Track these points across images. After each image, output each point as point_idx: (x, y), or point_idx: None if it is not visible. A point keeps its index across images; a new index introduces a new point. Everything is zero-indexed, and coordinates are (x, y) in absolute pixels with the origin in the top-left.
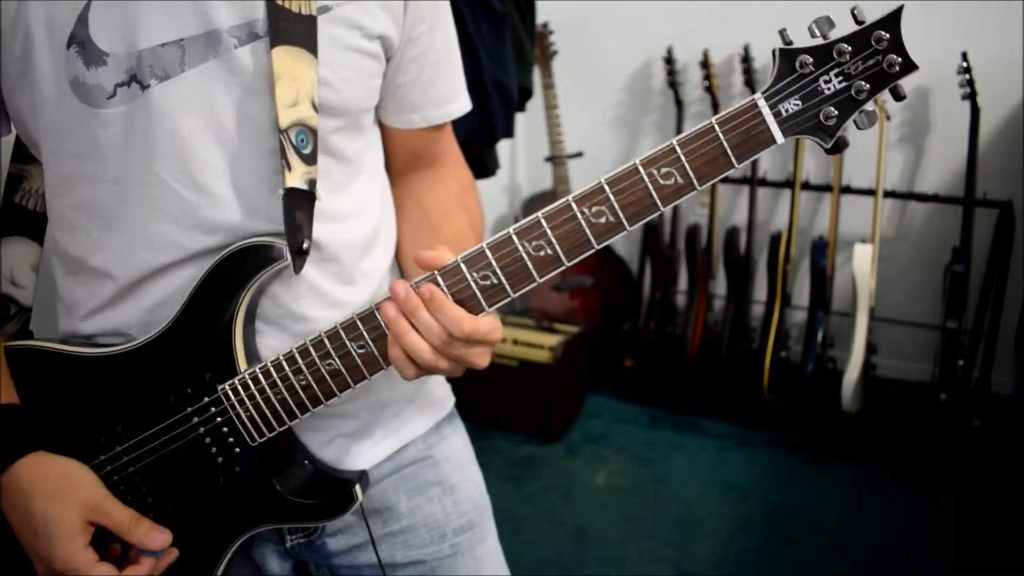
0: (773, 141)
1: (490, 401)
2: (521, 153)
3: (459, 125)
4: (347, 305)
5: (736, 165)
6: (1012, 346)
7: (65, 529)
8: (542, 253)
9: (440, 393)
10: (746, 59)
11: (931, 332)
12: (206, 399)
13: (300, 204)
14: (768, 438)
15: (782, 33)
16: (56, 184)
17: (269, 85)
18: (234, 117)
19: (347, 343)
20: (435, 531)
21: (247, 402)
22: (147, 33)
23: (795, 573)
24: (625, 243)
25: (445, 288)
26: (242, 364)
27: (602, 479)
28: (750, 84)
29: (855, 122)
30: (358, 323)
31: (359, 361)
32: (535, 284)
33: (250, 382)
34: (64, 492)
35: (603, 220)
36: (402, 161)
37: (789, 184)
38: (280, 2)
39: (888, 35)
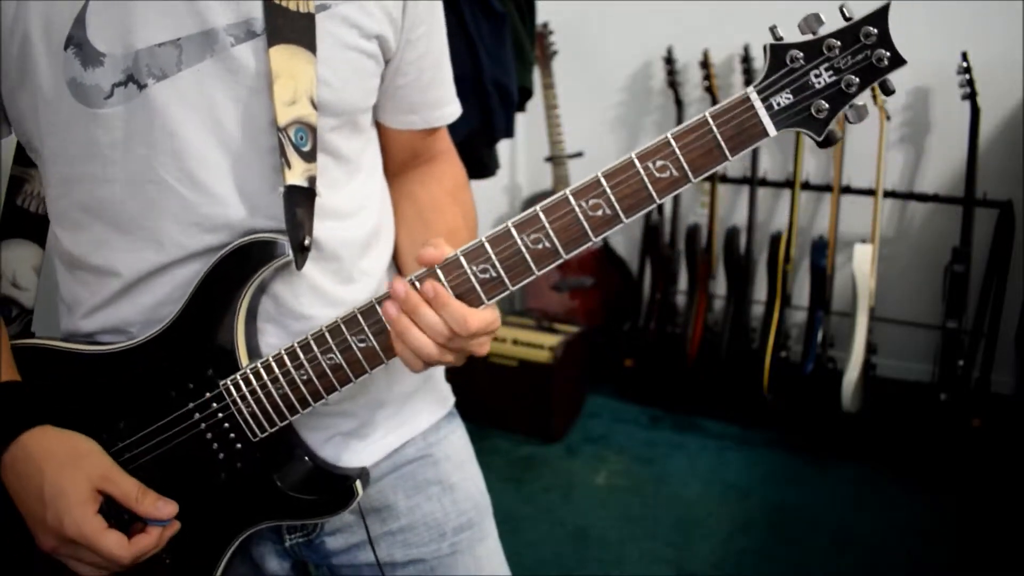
0: (766, 134)
1: (490, 401)
2: (521, 153)
3: (459, 125)
4: (347, 304)
5: (730, 157)
6: (1012, 346)
7: (75, 497)
8: (540, 246)
9: (439, 392)
10: (746, 59)
11: (931, 332)
12: (208, 395)
13: (300, 201)
14: (768, 438)
15: (773, 30)
16: (58, 185)
17: (267, 83)
18: (232, 115)
19: (348, 337)
20: (434, 530)
21: (249, 397)
22: (144, 33)
23: (795, 573)
24: (625, 243)
25: (446, 283)
26: (244, 359)
27: (602, 479)
28: (750, 84)
29: (846, 115)
30: (359, 317)
31: (360, 355)
32: (534, 277)
33: (252, 377)
34: (73, 462)
35: (600, 213)
36: (399, 160)
37: (789, 184)
38: (277, 0)
39: (876, 30)
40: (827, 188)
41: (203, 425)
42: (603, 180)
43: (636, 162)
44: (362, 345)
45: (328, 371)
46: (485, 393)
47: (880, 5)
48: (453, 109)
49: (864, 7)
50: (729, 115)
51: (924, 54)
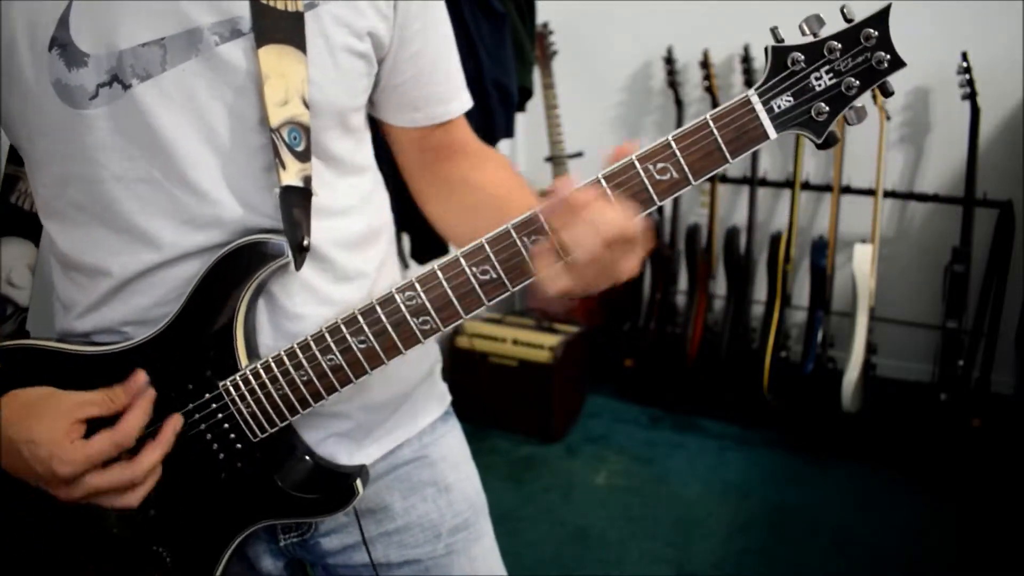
0: (766, 136)
1: (490, 401)
2: (521, 153)
3: None
4: (341, 303)
5: (730, 160)
6: (1012, 346)
7: (50, 438)
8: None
9: (436, 392)
10: (746, 59)
11: (931, 332)
12: (207, 395)
13: (297, 201)
14: (768, 438)
15: (774, 31)
16: (50, 185)
17: (255, 82)
18: (219, 115)
19: (348, 337)
20: (430, 531)
21: (248, 398)
22: (127, 33)
23: (795, 573)
24: None
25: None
26: (243, 360)
27: (602, 479)
28: (750, 84)
29: (845, 117)
30: (359, 317)
31: (360, 356)
32: (533, 278)
33: (251, 378)
34: (34, 410)
35: None
36: (430, 154)
37: (789, 184)
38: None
39: (876, 32)
40: (827, 188)
41: (203, 425)
42: (603, 182)
43: (636, 164)
44: (362, 346)
45: (328, 371)
46: (485, 393)
47: (881, 7)
48: (457, 105)
49: (863, 8)
50: (730, 117)
51: (924, 54)
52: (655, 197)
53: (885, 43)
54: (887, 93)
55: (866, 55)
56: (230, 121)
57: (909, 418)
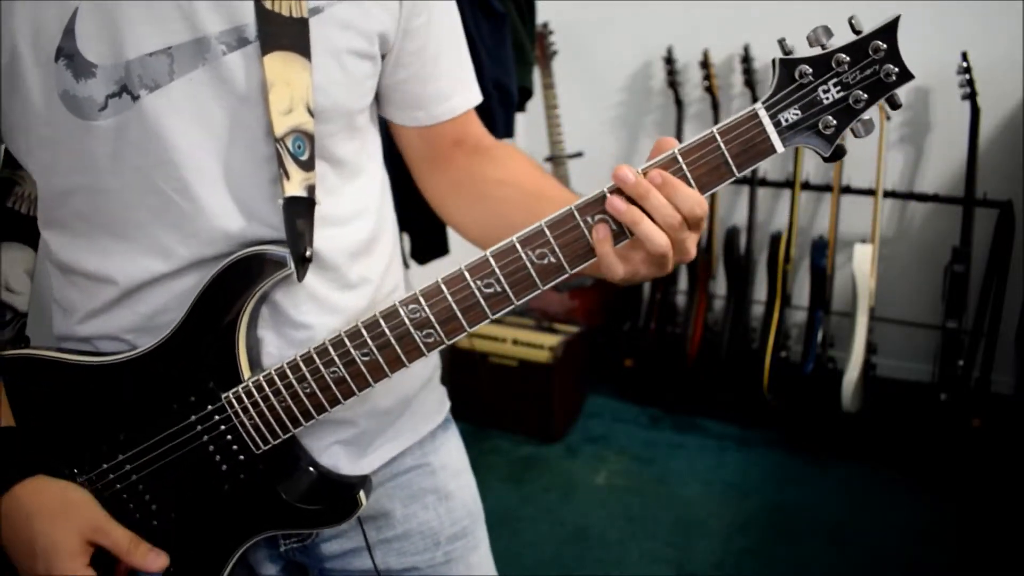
0: (773, 150)
1: (490, 401)
2: None
3: None
4: (346, 311)
5: (737, 174)
6: (1012, 346)
7: (66, 549)
8: (545, 261)
9: (436, 397)
10: (746, 59)
11: (931, 332)
12: (210, 407)
13: (300, 212)
14: (768, 438)
15: (781, 43)
16: (53, 196)
17: (262, 92)
18: (227, 125)
19: (351, 351)
20: (429, 539)
21: (251, 410)
22: (134, 42)
23: (795, 573)
24: None
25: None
26: (246, 372)
27: (602, 479)
28: (750, 84)
29: (852, 130)
30: (362, 331)
31: (364, 369)
32: (539, 292)
33: (254, 390)
34: (65, 513)
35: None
36: (443, 154)
37: (789, 184)
38: (269, 6)
39: (885, 45)
40: (827, 188)
41: (205, 437)
42: (609, 195)
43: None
44: (366, 359)
45: (331, 384)
46: (485, 393)
47: (889, 19)
48: (461, 100)
49: (863, 7)
50: (737, 132)
51: (924, 54)
52: None
53: (894, 56)
54: (895, 106)
55: (874, 68)
56: (237, 131)
57: (909, 418)
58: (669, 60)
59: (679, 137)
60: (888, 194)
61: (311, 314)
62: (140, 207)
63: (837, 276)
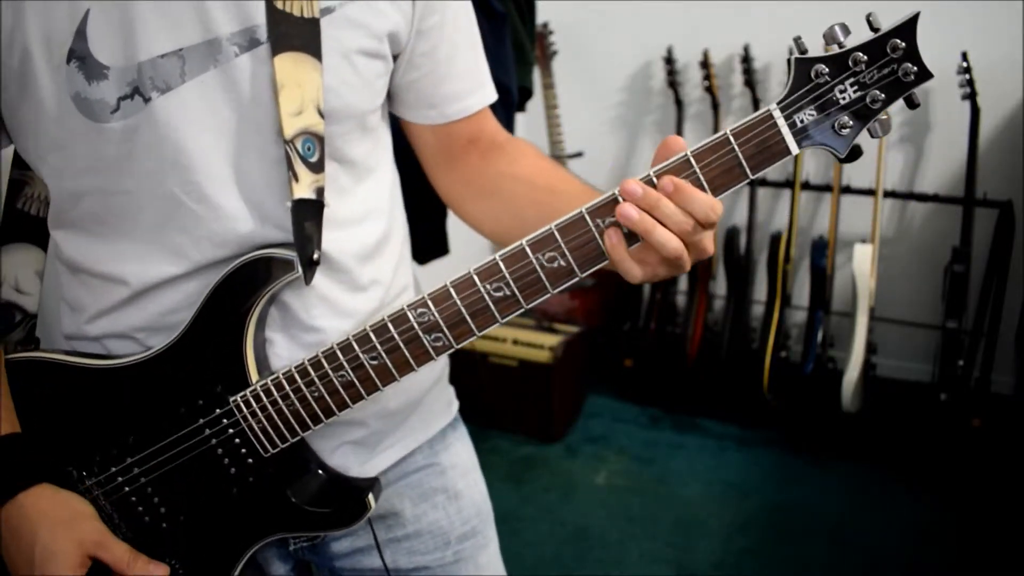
0: (788, 152)
1: (490, 401)
2: None
3: None
4: (357, 314)
5: (751, 176)
6: (1012, 346)
7: (65, 559)
8: (555, 265)
9: (445, 397)
10: (746, 59)
11: (931, 332)
12: (218, 411)
13: (309, 214)
14: (768, 438)
15: (797, 41)
16: (65, 198)
17: (272, 93)
18: (237, 127)
19: (360, 355)
20: (439, 538)
21: (259, 414)
22: (146, 44)
23: (795, 573)
24: None
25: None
26: (254, 376)
27: (602, 479)
28: (750, 84)
29: (869, 131)
30: (371, 335)
31: (372, 373)
32: (548, 296)
33: (262, 394)
34: (67, 524)
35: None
36: (458, 152)
37: (789, 184)
38: (280, 6)
39: (904, 43)
40: (827, 188)
41: (213, 441)
42: (621, 198)
43: (654, 180)
44: (374, 363)
45: (340, 388)
46: (485, 393)
47: (908, 16)
48: (476, 99)
49: (864, 7)
50: (751, 133)
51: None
52: None
53: (912, 54)
54: (913, 105)
55: (892, 67)
56: (248, 133)
57: (909, 418)
58: (669, 60)
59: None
60: (888, 194)
61: (322, 317)
62: (151, 209)
63: (837, 276)
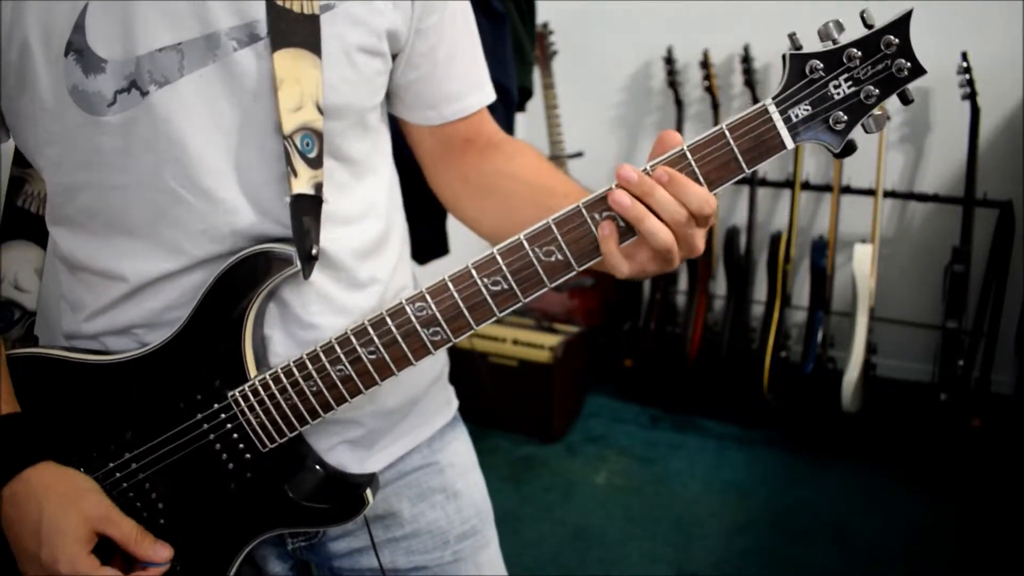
0: (783, 146)
1: (490, 401)
2: None
3: None
4: (355, 311)
5: (746, 171)
6: (1012, 346)
7: (71, 536)
8: (553, 259)
9: (444, 397)
10: (746, 59)
11: (931, 332)
12: (216, 406)
13: (307, 209)
14: (768, 438)
15: (792, 37)
16: (62, 192)
17: (271, 88)
18: (236, 122)
19: (357, 348)
20: (438, 537)
21: (257, 408)
22: (144, 38)
23: (795, 573)
24: None
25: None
26: (252, 370)
27: (602, 479)
28: (750, 84)
29: (863, 126)
30: (369, 328)
31: (370, 367)
32: (545, 289)
33: (260, 388)
34: (73, 500)
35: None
36: (456, 151)
37: (789, 184)
38: (280, 2)
39: (897, 40)
40: (827, 188)
41: (212, 436)
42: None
43: (650, 172)
44: (372, 356)
45: (338, 382)
46: (485, 393)
47: (901, 13)
48: (474, 99)
49: (863, 6)
50: (746, 127)
51: (924, 54)
52: None
53: (906, 50)
54: (907, 101)
55: (886, 63)
56: (246, 128)
57: (909, 418)
58: (669, 60)
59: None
60: (888, 194)
61: (320, 314)
62: (149, 203)
63: (837, 276)
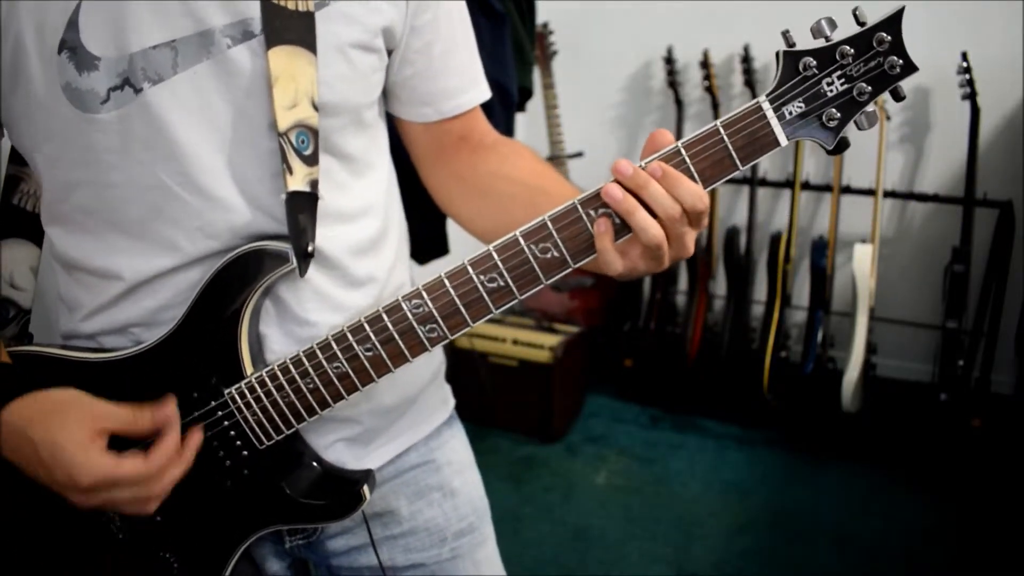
0: (777, 143)
1: (490, 401)
2: None
3: None
4: (351, 309)
5: (741, 167)
6: (1012, 346)
7: (72, 445)
8: (548, 255)
9: (441, 395)
10: (746, 59)
11: (931, 332)
12: (213, 403)
13: (303, 207)
14: (768, 438)
15: (785, 35)
16: (57, 190)
17: (266, 85)
18: (231, 119)
19: (354, 346)
20: (435, 535)
21: (254, 406)
22: (138, 35)
23: (795, 573)
24: None
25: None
26: (248, 368)
27: (602, 479)
28: (750, 84)
29: (856, 123)
30: (365, 326)
31: (367, 364)
32: (542, 286)
33: (256, 386)
34: (58, 415)
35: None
36: (450, 149)
37: (789, 184)
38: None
39: (889, 37)
40: (827, 188)
41: (209, 433)
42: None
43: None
44: (369, 354)
45: (335, 380)
46: (485, 393)
47: (894, 10)
48: (469, 97)
49: (863, 6)
50: (740, 124)
51: (924, 54)
52: None
53: (898, 47)
54: (899, 98)
55: (879, 60)
56: (241, 125)
57: (909, 418)
58: (669, 60)
59: (679, 137)
60: (888, 194)
61: (316, 312)
62: (144, 201)
63: (837, 276)
